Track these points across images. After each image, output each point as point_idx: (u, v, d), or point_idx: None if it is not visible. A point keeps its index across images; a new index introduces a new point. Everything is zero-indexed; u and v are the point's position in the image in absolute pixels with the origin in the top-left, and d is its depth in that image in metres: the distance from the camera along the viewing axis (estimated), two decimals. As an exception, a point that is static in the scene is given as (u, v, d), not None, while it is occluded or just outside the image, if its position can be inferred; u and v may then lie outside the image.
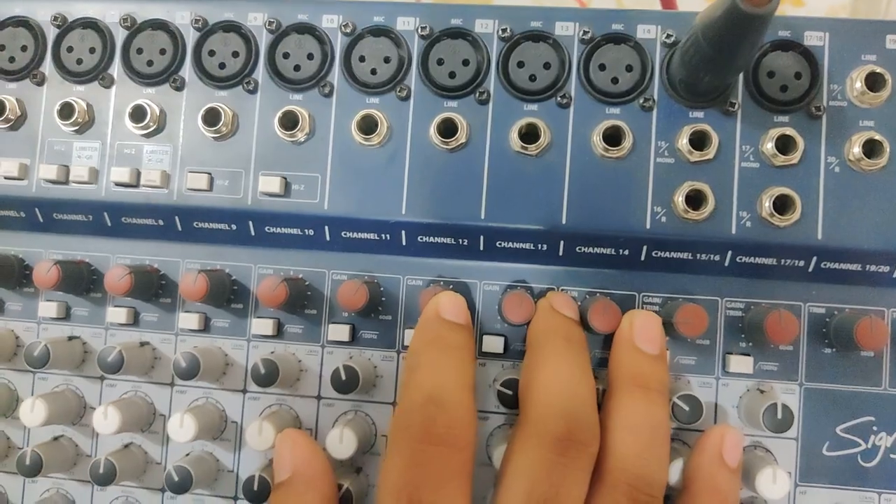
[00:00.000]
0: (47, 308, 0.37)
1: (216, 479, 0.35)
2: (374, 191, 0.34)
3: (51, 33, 0.36)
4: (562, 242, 0.34)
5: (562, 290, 0.35)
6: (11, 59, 0.37)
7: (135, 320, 0.37)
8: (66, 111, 0.35)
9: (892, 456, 0.34)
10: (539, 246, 0.35)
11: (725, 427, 0.31)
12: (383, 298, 0.36)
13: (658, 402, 0.30)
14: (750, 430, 0.34)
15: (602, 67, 0.34)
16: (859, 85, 0.33)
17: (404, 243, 0.35)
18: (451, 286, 0.35)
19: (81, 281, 0.36)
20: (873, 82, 0.33)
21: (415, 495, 0.27)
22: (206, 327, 0.36)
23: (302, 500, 0.29)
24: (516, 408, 0.32)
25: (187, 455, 0.35)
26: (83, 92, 0.36)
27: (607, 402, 0.31)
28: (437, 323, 0.32)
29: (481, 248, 0.35)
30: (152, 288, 0.36)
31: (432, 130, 0.34)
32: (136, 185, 0.35)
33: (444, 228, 0.34)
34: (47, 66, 0.36)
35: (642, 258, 0.34)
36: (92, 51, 0.36)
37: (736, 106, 0.33)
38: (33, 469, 0.34)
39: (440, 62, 0.34)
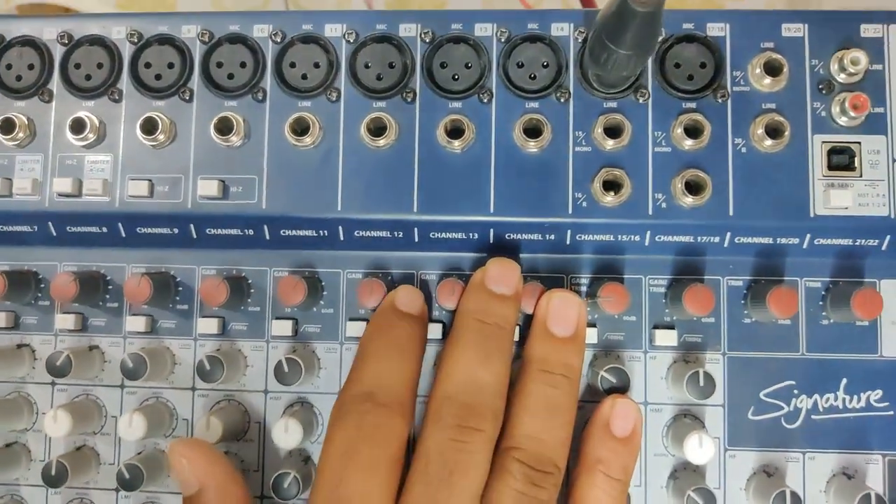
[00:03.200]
0: (-5, 318, 0.37)
1: (168, 476, 0.36)
2: (310, 189, 0.36)
3: (-10, 52, 0.38)
4: (491, 230, 0.36)
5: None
6: (-48, 79, 0.38)
7: (83, 326, 0.38)
8: (7, 126, 0.36)
9: (813, 417, 0.36)
10: (470, 235, 0.36)
11: (616, 398, 0.33)
12: (325, 292, 0.37)
13: (559, 385, 0.31)
14: (678, 400, 0.36)
15: (520, 65, 0.36)
16: (759, 71, 0.35)
17: (342, 238, 0.37)
18: (388, 277, 0.37)
19: (28, 290, 0.37)
20: (772, 68, 0.35)
21: (342, 485, 0.28)
22: (152, 329, 0.37)
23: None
24: None
25: (139, 454, 0.36)
26: (24, 107, 0.37)
27: (516, 384, 0.32)
28: (390, 313, 0.34)
29: (416, 239, 0.36)
30: (99, 293, 0.37)
31: (363, 130, 0.35)
32: (79, 195, 0.36)
33: (379, 223, 0.36)
34: (-12, 84, 0.38)
35: (567, 242, 0.36)
36: (31, 67, 0.37)
37: (647, 95, 0.35)
38: (-16, 475, 0.34)
39: (367, 66, 0.36)
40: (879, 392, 0.36)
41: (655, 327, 0.36)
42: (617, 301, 0.34)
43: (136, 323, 0.37)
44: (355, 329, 0.36)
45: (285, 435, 0.34)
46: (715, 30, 0.36)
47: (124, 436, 0.34)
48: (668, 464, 0.36)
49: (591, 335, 0.36)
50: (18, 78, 0.37)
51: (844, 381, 0.36)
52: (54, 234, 0.37)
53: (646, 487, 0.36)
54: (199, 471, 0.29)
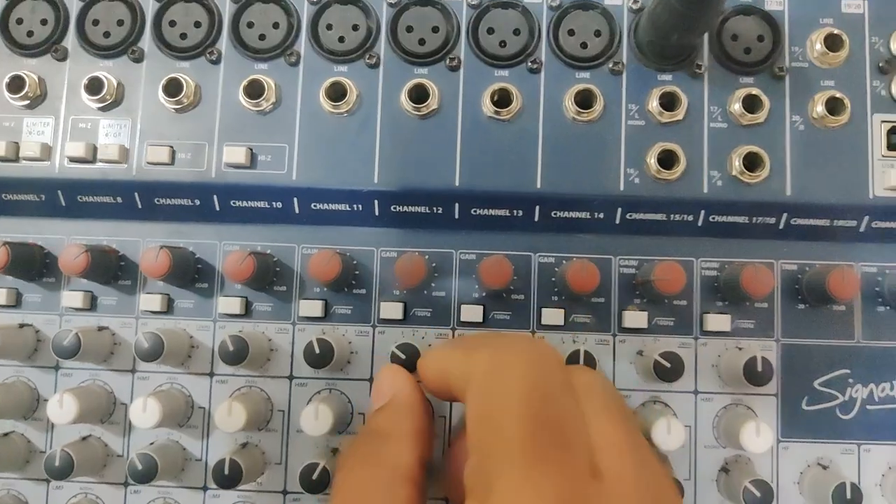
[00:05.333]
0: (-5, 295, 0.34)
1: (183, 469, 0.33)
2: (345, 159, 0.33)
3: (-2, 6, 0.35)
4: (537, 207, 0.34)
5: (540, 256, 0.35)
6: (-46, 35, 0.35)
7: (92, 304, 0.35)
8: (16, 85, 0.34)
9: (868, 407, 0.34)
10: (514, 212, 0.34)
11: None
12: (357, 272, 0.35)
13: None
14: (730, 389, 0.34)
15: (571, 33, 0.34)
16: (819, 46, 0.34)
17: (377, 214, 0.34)
18: (426, 256, 0.34)
19: (33, 265, 0.34)
20: (832, 43, 0.34)
21: None
22: (169, 309, 0.34)
23: (400, 424, 0.27)
24: None
25: (151, 444, 0.33)
26: (35, 66, 0.34)
27: None
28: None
29: (456, 216, 0.34)
30: (110, 269, 0.34)
31: (403, 97, 0.33)
32: (93, 161, 0.34)
33: (418, 196, 0.34)
34: (-6, 41, 0.35)
35: (617, 221, 0.34)
36: (44, 22, 0.34)
37: (703, 68, 0.34)
38: (-18, 466, 0.31)
39: (409, 29, 0.34)
40: (938, 382, 0.34)
41: (706, 312, 0.34)
42: (673, 280, 0.32)
43: (150, 302, 0.34)
44: (389, 311, 0.34)
45: (315, 422, 0.31)
46: (773, 3, 0.34)
47: (137, 422, 0.31)
48: (720, 457, 0.34)
49: (641, 320, 0.34)
50: (30, 34, 0.34)
51: (901, 370, 0.34)
52: (63, 204, 0.34)
53: (695, 481, 0.34)
54: (399, 385, 0.29)
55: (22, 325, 0.34)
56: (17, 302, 0.35)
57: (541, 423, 0.21)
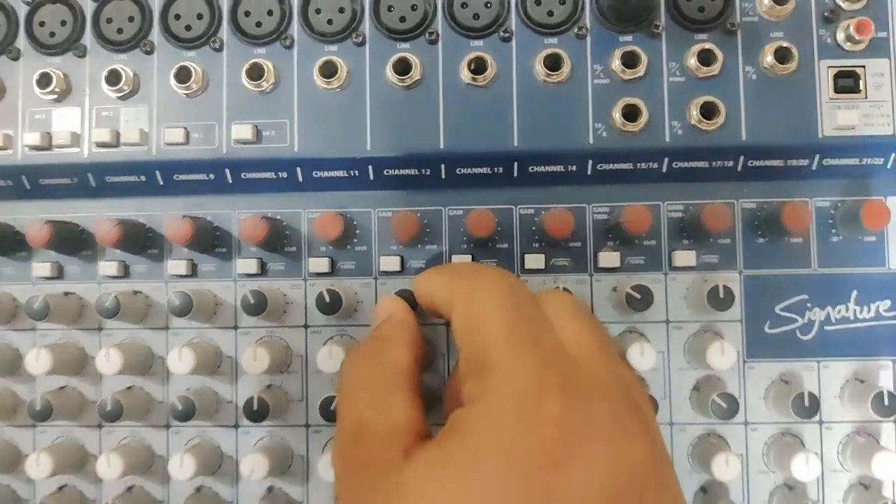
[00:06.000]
0: (41, 269, 0.39)
1: (217, 411, 0.38)
2: (340, 130, 0.37)
3: (22, 11, 0.39)
4: (515, 164, 0.38)
5: (521, 208, 0.38)
6: (-15, 39, 0.39)
7: (125, 272, 0.39)
8: (44, 81, 0.38)
9: (826, 328, 0.38)
10: (495, 170, 0.38)
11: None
12: (357, 231, 0.39)
13: None
14: (698, 317, 0.38)
15: (538, 2, 0.37)
16: (767, 0, 0.37)
17: (372, 178, 0.38)
18: (418, 214, 0.38)
19: (73, 240, 0.39)
20: (779, -3, 0.37)
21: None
22: (193, 272, 0.39)
23: (398, 333, 0.32)
24: None
25: (188, 389, 0.38)
26: (59, 63, 0.38)
27: None
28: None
29: (443, 176, 0.38)
30: (140, 240, 0.39)
31: (388, 70, 0.37)
32: (117, 145, 0.38)
33: (407, 160, 0.37)
34: (21, 42, 0.39)
35: (589, 172, 0.38)
36: (63, 23, 0.38)
37: (660, 28, 0.37)
38: (43, 414, 0.36)
39: (390, 9, 0.37)
40: (888, 302, 0.38)
41: (674, 250, 0.38)
42: (640, 221, 0.36)
43: (177, 266, 0.38)
44: (388, 263, 0.38)
45: (330, 360, 0.35)
46: (723, -39, 0.37)
47: (174, 369, 0.35)
48: (691, 377, 0.38)
49: (614, 260, 0.38)
50: (52, 34, 0.38)
51: (855, 293, 0.38)
52: (93, 184, 0.39)
53: (670, 400, 0.38)
54: (396, 307, 0.34)
55: (66, 294, 0.39)
56: (59, 274, 0.39)
57: (518, 319, 0.27)
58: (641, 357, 0.35)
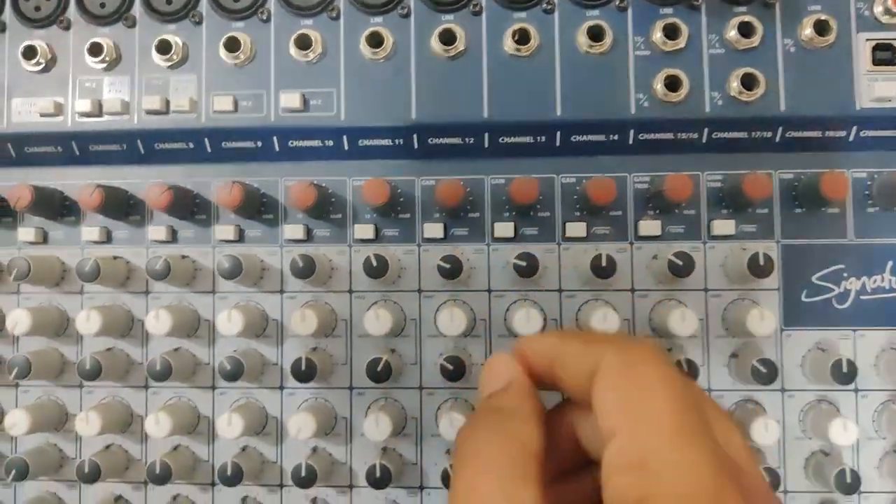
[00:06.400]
0: (90, 233, 0.40)
1: (262, 373, 0.39)
2: (386, 99, 0.38)
3: (73, -19, 0.40)
4: (558, 133, 0.38)
5: (563, 177, 0.39)
6: (37, 9, 0.40)
7: (173, 237, 0.40)
8: (95, 50, 0.38)
9: (861, 298, 0.38)
10: (538, 138, 0.38)
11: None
12: (401, 199, 0.39)
13: None
14: (736, 285, 0.38)
15: (581, -25, 0.38)
16: (806, -27, 0.37)
17: (416, 147, 0.39)
18: (461, 182, 0.39)
19: (122, 205, 0.39)
20: (817, -30, 0.37)
21: None
22: (240, 238, 0.40)
23: (524, 404, 0.26)
24: None
25: (234, 351, 0.38)
26: (108, 33, 0.39)
27: None
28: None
29: (486, 145, 0.39)
30: (188, 205, 0.39)
31: (433, 41, 0.37)
32: (166, 112, 0.39)
33: (451, 128, 0.38)
34: (72, 13, 0.39)
35: (630, 142, 0.39)
36: (115, -7, 0.39)
37: (700, 0, 0.38)
38: (93, 373, 0.37)
39: (436, -20, 0.38)
40: (923, 272, 0.38)
41: (713, 219, 0.39)
42: (681, 188, 0.36)
43: (224, 232, 0.39)
44: (432, 231, 0.39)
45: (377, 322, 0.36)
46: (763, -64, 0.38)
47: (223, 330, 0.36)
48: (730, 345, 0.38)
49: (655, 228, 0.38)
50: (102, 5, 0.39)
51: (890, 263, 0.38)
52: (142, 151, 0.40)
53: (708, 366, 0.38)
54: (515, 372, 0.27)
55: (115, 258, 0.39)
56: (108, 238, 0.40)
57: (688, 408, 0.22)
58: (683, 322, 0.36)
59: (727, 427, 0.25)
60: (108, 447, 0.39)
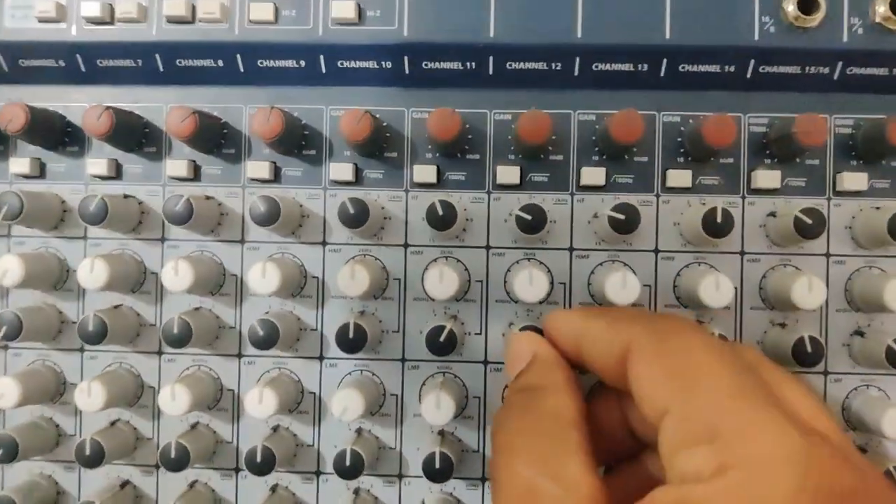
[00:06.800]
0: (96, 165, 0.33)
1: (299, 339, 0.32)
2: (458, 11, 0.31)
3: None
4: (664, 61, 0.32)
5: (664, 115, 0.33)
6: None
7: (195, 174, 0.33)
8: (107, -59, 0.32)
9: None
10: (639, 66, 0.32)
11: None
12: (470, 136, 0.33)
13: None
14: (865, 251, 0.32)
15: None
16: None
17: (491, 72, 0.32)
18: (547, 115, 0.32)
19: (135, 133, 0.33)
20: None
21: None
22: (276, 177, 0.33)
23: (552, 376, 0.25)
24: None
25: (267, 312, 0.32)
26: (122, -77, 0.32)
27: None
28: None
29: (576, 72, 0.32)
30: (215, 136, 0.33)
31: (520, -56, 0.31)
32: (192, 21, 0.32)
33: (537, 50, 0.32)
34: None
35: (748, 75, 0.32)
36: None
37: None
38: (97, 336, 0.30)
39: None
40: None
41: (839, 172, 0.33)
42: (816, 131, 0.30)
43: (257, 169, 0.33)
44: (506, 175, 0.32)
45: (440, 284, 0.30)
46: None
47: (256, 287, 0.30)
48: (853, 320, 0.32)
49: (774, 180, 0.32)
50: None
51: None
52: (161, 69, 0.33)
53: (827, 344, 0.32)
54: (537, 344, 0.27)
55: (126, 196, 0.33)
56: (117, 173, 0.33)
57: (738, 369, 0.21)
58: (809, 293, 0.30)
59: (793, 387, 0.22)
60: (113, 424, 0.33)
